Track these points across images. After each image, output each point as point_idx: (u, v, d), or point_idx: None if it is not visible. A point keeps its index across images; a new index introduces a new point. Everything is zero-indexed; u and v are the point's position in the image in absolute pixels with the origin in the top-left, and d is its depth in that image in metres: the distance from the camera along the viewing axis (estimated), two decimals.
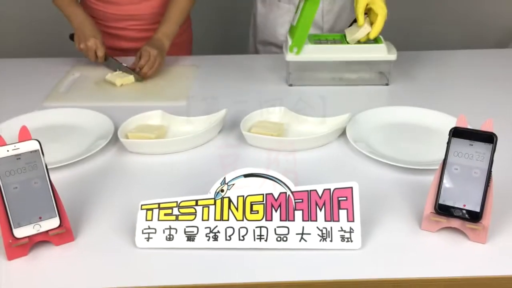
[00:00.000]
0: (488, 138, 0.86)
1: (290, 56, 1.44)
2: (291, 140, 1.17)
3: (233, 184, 0.90)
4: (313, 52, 1.45)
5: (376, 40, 1.47)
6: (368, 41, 1.46)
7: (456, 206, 0.88)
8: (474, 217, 0.87)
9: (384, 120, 1.27)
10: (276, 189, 0.89)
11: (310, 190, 0.89)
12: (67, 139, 1.22)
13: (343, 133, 1.20)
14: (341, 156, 1.15)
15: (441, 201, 0.89)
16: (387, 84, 1.50)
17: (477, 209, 0.87)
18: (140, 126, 1.21)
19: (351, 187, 0.89)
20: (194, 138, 1.17)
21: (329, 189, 0.89)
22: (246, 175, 0.90)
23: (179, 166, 1.12)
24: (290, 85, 1.50)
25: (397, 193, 1.01)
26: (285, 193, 0.89)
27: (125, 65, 1.55)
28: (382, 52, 1.44)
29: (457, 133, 0.88)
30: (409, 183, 1.04)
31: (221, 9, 2.76)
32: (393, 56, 1.45)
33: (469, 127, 0.90)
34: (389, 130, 1.24)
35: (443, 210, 0.89)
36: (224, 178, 0.90)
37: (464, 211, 0.87)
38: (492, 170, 0.86)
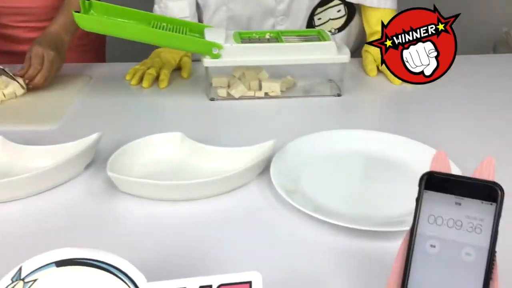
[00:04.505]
0: (488, 192, 0.47)
1: (208, 61, 1.06)
2: (180, 185, 0.75)
3: (35, 281, 0.50)
4: (239, 54, 1.06)
5: (320, 36, 1.10)
6: (310, 37, 1.08)
7: None
8: None
9: (329, 149, 0.87)
10: None
11: None
12: None
13: (265, 170, 0.81)
14: (257, 206, 0.75)
15: None
16: (338, 95, 1.12)
17: None
18: None
19: (250, 282, 0.49)
20: (28, 181, 0.75)
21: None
22: (60, 263, 0.50)
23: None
24: (212, 99, 1.11)
25: (342, 273, 0.63)
26: None
27: (7, 69, 1.12)
28: (330, 52, 1.06)
29: (433, 182, 0.49)
30: (364, 254, 0.66)
31: None
32: (345, 57, 1.07)
33: (454, 170, 0.51)
34: (335, 165, 0.85)
35: None
36: (20, 269, 0.50)
37: None
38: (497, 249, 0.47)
